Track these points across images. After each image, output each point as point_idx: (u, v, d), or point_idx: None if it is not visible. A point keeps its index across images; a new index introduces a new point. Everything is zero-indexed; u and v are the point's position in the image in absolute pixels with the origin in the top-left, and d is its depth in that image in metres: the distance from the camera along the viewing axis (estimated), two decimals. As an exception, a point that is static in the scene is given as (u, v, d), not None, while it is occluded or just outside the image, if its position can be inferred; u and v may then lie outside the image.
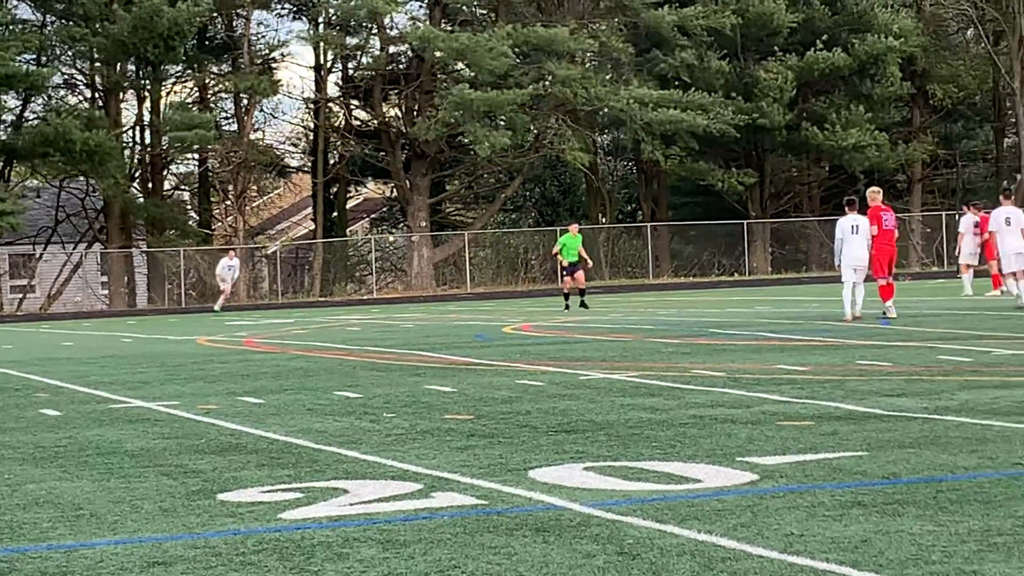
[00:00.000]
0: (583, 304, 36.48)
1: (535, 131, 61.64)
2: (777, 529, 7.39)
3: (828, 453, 9.87)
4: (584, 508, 8.14)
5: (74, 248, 61.88)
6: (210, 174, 65.88)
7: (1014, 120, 67.22)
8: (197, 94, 64.78)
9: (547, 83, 58.38)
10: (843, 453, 9.85)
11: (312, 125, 65.58)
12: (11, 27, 57.24)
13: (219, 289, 49.75)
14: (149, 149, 62.02)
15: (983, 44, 66.96)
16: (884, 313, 25.57)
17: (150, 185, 62.37)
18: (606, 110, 60.86)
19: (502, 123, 59.92)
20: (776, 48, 61.96)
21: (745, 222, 63.63)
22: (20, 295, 60.11)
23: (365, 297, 58.80)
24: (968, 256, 35.52)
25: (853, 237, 25.52)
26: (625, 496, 8.55)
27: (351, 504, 8.50)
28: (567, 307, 36.52)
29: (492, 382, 16.20)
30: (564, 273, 37.97)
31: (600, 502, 8.31)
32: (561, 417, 12.56)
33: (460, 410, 13.42)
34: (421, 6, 65.30)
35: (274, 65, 64.86)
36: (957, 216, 40.83)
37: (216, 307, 48.65)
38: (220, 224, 67.51)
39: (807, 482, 8.75)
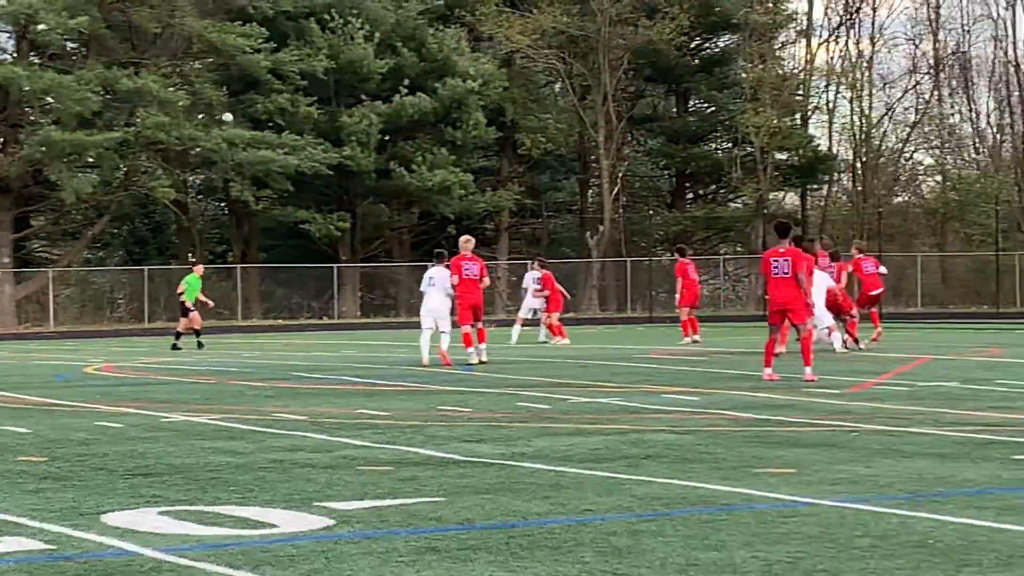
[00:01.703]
0: (199, 344, 37.05)
1: (124, 169, 60.47)
2: (350, 575, 7.38)
3: (406, 499, 9.94)
4: (156, 553, 7.98)
5: None
6: None
7: (598, 173, 69.44)
8: None
9: (137, 127, 57.38)
10: (420, 499, 9.93)
11: None
12: None
13: None
14: None
15: (570, 98, 68.93)
16: (477, 360, 26.18)
17: None
18: (198, 150, 60.25)
19: (90, 160, 58.58)
20: (364, 96, 62.40)
21: (336, 266, 63.77)
22: None
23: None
24: (525, 311, 37.13)
25: (431, 288, 26.96)
26: (199, 541, 8.41)
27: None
28: (199, 344, 37.08)
29: (69, 423, 15.77)
30: (185, 312, 38.32)
31: (173, 547, 8.16)
32: (139, 460, 12.32)
33: (34, 452, 13.02)
34: (9, 38, 63.27)
35: None
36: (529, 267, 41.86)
37: None
38: None
39: (383, 528, 8.79)
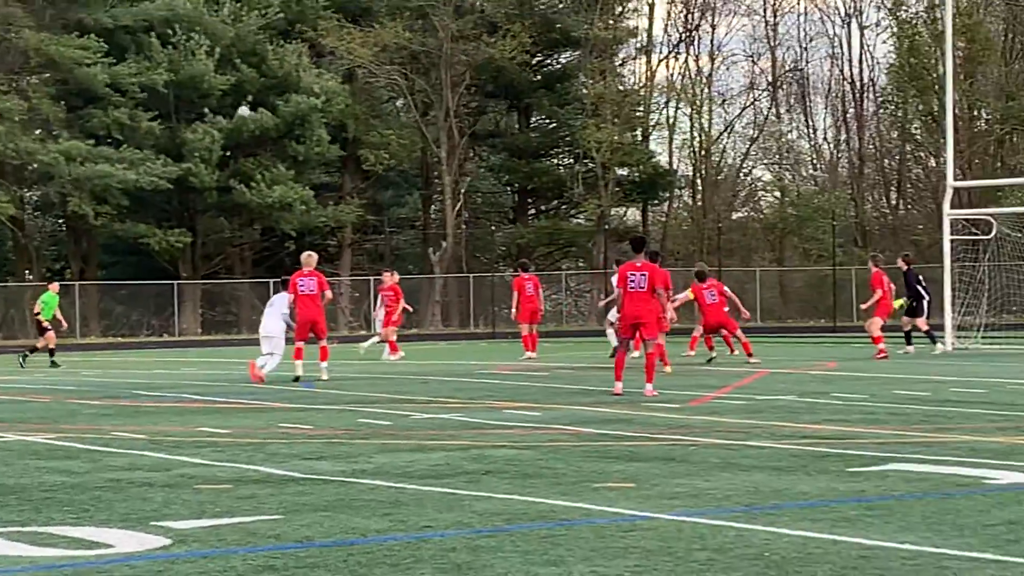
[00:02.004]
0: (53, 363, 36.80)
1: (-43, 183, 59.39)
2: (186, 595, 7.31)
3: (244, 517, 9.85)
4: (-13, 577, 7.84)
5: None
6: None
7: (441, 189, 69.51)
8: None
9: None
10: (259, 517, 9.85)
11: None
12: None
13: None
14: None
15: (412, 114, 68.94)
16: (318, 376, 26.19)
17: None
18: (35, 165, 59.33)
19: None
20: (207, 110, 61.87)
21: (176, 282, 63.09)
22: None
23: None
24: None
25: (268, 310, 27.91)
26: (32, 562, 8.27)
27: None
28: (53, 363, 36.89)
29: (-101, 445, 15.43)
30: (42, 331, 38.20)
31: (5, 569, 8.01)
32: (-30, 482, 12.08)
33: None
34: None
35: None
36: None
37: None
38: None
39: (221, 546, 8.70)
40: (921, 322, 33.81)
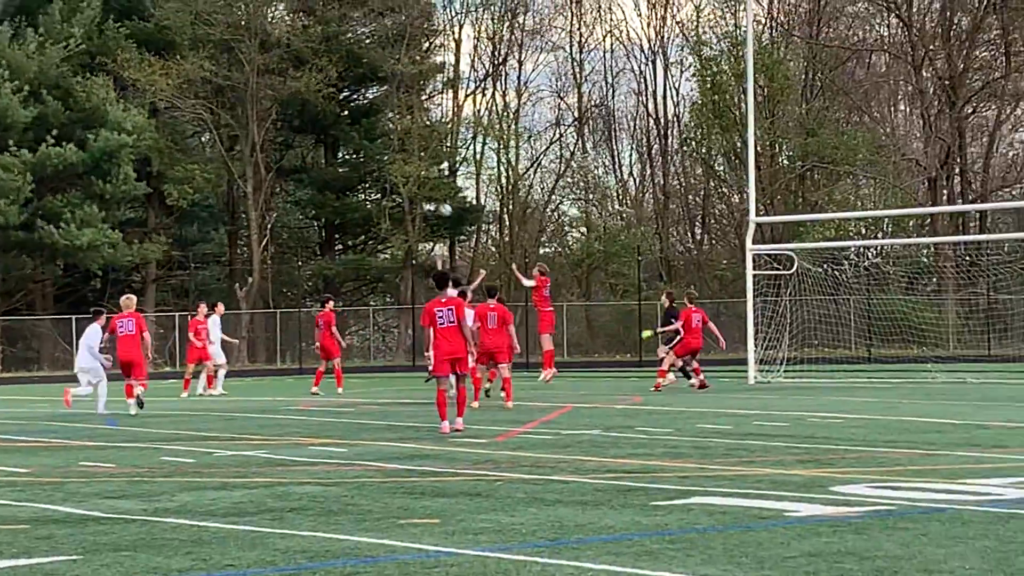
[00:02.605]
0: None
1: None
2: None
3: (41, 558, 9.64)
4: None
5: None
6: None
7: (247, 224, 68.94)
8: None
9: None
10: (56, 557, 9.65)
11: None
12: None
13: None
14: None
15: (218, 148, 68.36)
16: (131, 410, 26.28)
17: None
18: None
19: None
20: (11, 143, 60.66)
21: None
22: None
23: None
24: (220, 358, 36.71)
25: (82, 342, 28.28)
26: None
27: None
28: None
29: None
30: None
31: None
32: None
33: None
34: None
35: None
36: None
37: None
38: None
39: (16, 589, 8.51)
40: (671, 357, 34.86)
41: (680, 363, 34.18)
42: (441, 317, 21.15)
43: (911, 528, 10.47)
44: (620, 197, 78.48)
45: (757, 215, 41.50)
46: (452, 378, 21.79)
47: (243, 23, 66.52)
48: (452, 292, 21.72)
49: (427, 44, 73.53)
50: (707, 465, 15.44)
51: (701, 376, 33.58)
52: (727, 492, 12.84)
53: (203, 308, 37.19)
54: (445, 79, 74.61)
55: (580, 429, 20.81)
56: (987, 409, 24.83)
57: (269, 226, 68.58)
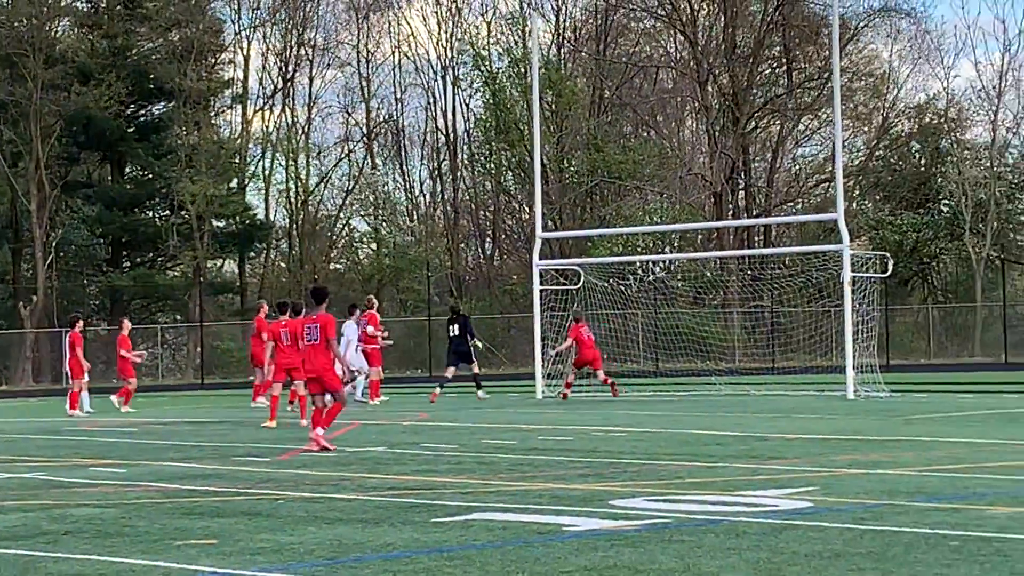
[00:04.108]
0: None
1: None
2: None
3: None
4: None
5: None
6: None
7: (32, 242, 67.52)
8: None
9: None
10: None
11: None
12: None
13: None
14: None
15: (1, 165, 66.94)
16: None
17: None
18: None
19: None
20: None
21: None
22: None
23: None
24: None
25: None
26: None
27: None
28: None
29: None
30: None
31: None
32: None
33: None
34: None
35: None
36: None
37: None
38: None
39: None
40: (452, 371, 36.70)
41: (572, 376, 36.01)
42: (308, 334, 20.95)
43: (687, 541, 10.62)
44: (410, 212, 78.50)
45: (545, 230, 41.83)
46: (327, 397, 21.04)
47: (26, 37, 65.28)
48: (322, 309, 21.29)
49: (215, 60, 72.86)
50: (490, 481, 15.50)
51: (569, 389, 35.77)
52: (508, 508, 12.90)
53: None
54: (233, 95, 74.01)
55: (365, 446, 20.74)
56: (768, 421, 25.33)
57: (54, 243, 67.31)
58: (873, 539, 10.57)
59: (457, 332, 36.79)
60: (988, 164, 68.31)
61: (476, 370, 36.99)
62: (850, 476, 15.42)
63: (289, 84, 74.31)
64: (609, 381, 35.58)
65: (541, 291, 38.39)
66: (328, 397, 20.86)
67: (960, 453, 17.84)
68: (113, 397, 36.30)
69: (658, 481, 15.09)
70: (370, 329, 36.00)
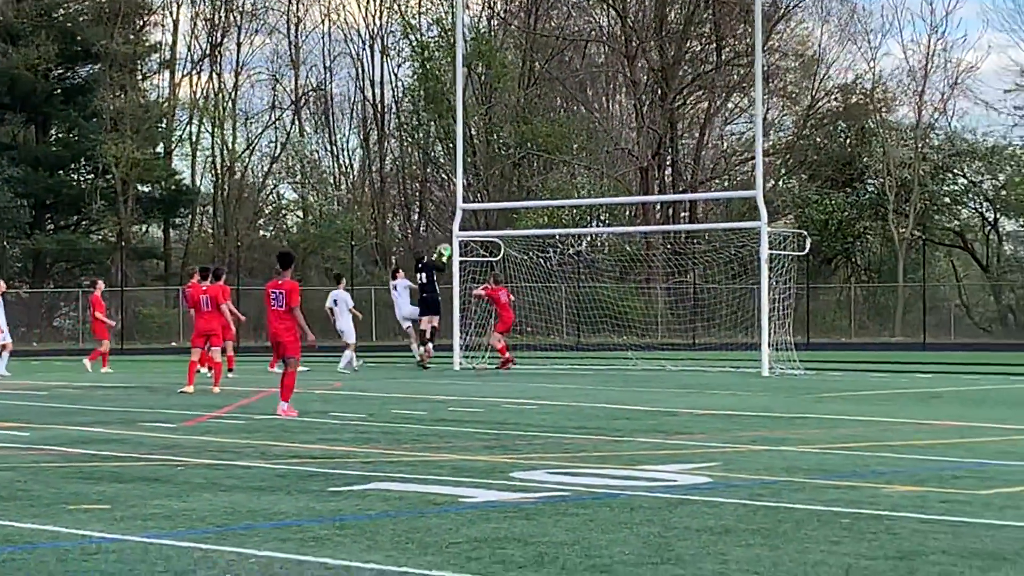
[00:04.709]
0: None
1: None
2: None
3: None
4: None
5: None
6: None
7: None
8: None
9: None
10: None
11: None
12: None
13: None
14: None
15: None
16: None
17: None
18: None
19: None
20: None
21: None
22: None
23: None
24: None
25: None
26: None
27: None
28: None
29: None
30: None
31: None
32: None
33: None
34: None
35: None
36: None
37: None
38: None
39: None
40: (425, 321, 36.83)
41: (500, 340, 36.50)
42: (274, 299, 20.83)
43: (580, 514, 10.64)
44: (339, 182, 78.18)
45: (472, 202, 41.78)
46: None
47: (-50, -4, 64.54)
48: (288, 275, 21.14)
49: (142, 23, 72.22)
50: (394, 451, 15.47)
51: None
52: (407, 478, 12.89)
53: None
54: (161, 59, 73.39)
55: (273, 414, 20.63)
56: (680, 396, 25.43)
57: (-26, 205, 66.60)
58: (766, 515, 10.63)
59: (425, 280, 36.79)
60: (913, 145, 68.70)
61: (434, 324, 36.83)
62: (753, 452, 15.50)
63: (217, 50, 73.74)
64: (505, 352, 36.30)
65: (461, 263, 38.34)
66: (283, 361, 20.98)
67: (865, 432, 17.96)
68: (86, 360, 36.28)
69: (563, 454, 15.11)
70: None
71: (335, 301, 36.34)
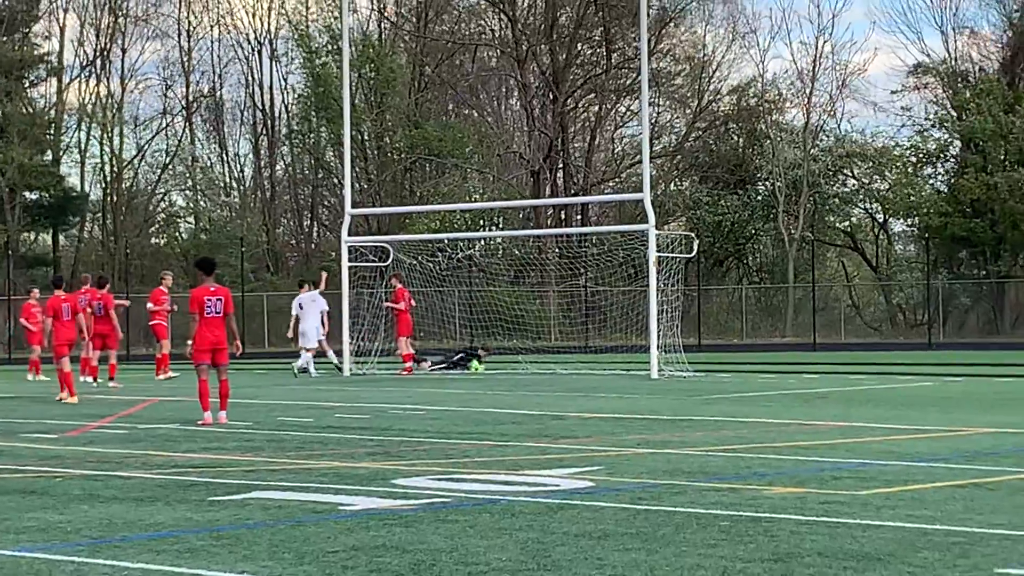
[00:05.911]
0: None
1: None
2: None
3: None
4: None
5: None
6: None
7: None
8: None
9: None
10: None
11: None
12: None
13: None
14: None
15: None
16: None
17: None
18: None
19: None
20: None
21: None
22: None
23: None
24: None
25: None
26: None
27: None
28: None
29: None
30: None
31: None
32: None
33: None
34: None
35: None
36: None
37: None
38: None
39: None
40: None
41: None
42: (209, 307, 20.54)
43: (460, 520, 10.60)
44: (228, 188, 77.66)
45: (362, 207, 41.66)
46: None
47: None
48: (211, 280, 20.83)
49: (27, 30, 71.37)
50: (277, 459, 15.36)
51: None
52: (288, 486, 12.79)
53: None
54: (48, 66, 72.54)
55: (158, 423, 20.42)
56: (568, 400, 25.46)
57: None
58: (646, 519, 10.64)
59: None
60: (803, 146, 69.28)
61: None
62: (637, 456, 15.53)
63: (106, 56, 73.01)
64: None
65: (350, 268, 38.22)
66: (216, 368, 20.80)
67: (749, 433, 18.06)
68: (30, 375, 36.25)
69: (445, 460, 15.07)
70: (150, 305, 35.92)
71: (300, 305, 36.19)
